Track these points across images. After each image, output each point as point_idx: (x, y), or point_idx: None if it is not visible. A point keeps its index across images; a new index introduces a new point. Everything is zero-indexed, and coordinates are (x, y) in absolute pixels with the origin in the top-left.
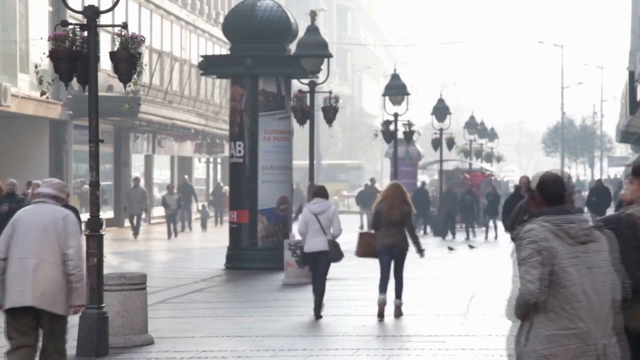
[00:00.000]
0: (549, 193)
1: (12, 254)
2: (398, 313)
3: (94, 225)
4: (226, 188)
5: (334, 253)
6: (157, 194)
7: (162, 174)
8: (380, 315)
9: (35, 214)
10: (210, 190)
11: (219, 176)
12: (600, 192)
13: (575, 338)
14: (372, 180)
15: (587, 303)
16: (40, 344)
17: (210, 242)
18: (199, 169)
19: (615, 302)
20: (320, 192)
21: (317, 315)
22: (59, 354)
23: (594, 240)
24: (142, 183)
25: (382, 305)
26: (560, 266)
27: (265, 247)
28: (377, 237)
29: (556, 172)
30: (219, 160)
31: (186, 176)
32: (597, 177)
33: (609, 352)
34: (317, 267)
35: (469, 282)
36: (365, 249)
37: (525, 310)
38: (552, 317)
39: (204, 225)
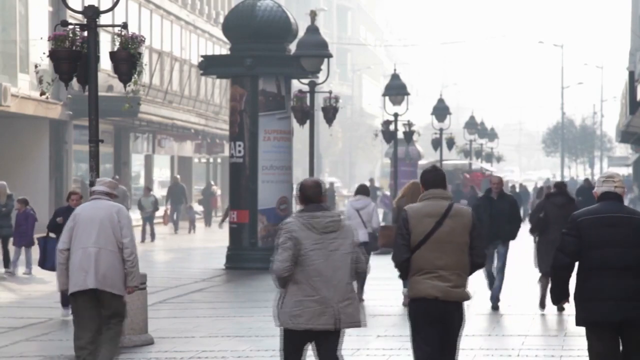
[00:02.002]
0: (305, 194)
1: (74, 244)
2: (407, 302)
3: None
4: (216, 187)
5: (373, 244)
6: (157, 194)
7: (162, 173)
8: (405, 305)
9: (93, 209)
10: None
11: (218, 176)
12: (587, 192)
13: (314, 302)
14: (372, 181)
15: (324, 278)
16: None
17: (210, 242)
18: (199, 169)
19: (360, 274)
20: (362, 190)
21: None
22: (119, 317)
23: (337, 230)
24: (142, 181)
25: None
26: (304, 251)
27: (265, 247)
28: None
29: (314, 179)
30: (219, 160)
31: (177, 176)
32: (601, 178)
33: (343, 312)
34: None
35: (469, 281)
36: (387, 239)
37: (282, 282)
38: (300, 287)
39: (192, 226)
